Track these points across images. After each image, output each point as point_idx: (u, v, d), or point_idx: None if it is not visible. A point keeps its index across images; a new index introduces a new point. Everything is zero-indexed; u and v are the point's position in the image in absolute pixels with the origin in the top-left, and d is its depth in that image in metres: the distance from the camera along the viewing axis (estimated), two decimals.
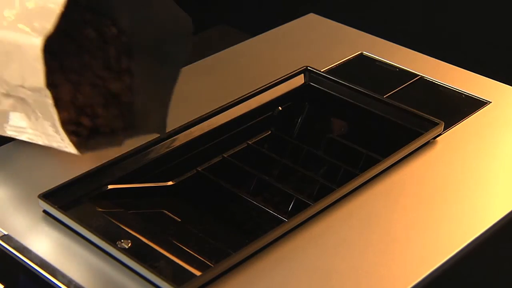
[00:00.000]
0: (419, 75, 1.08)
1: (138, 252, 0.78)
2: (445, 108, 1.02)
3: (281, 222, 0.84)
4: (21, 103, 0.81)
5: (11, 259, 0.79)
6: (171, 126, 0.94)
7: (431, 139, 0.95)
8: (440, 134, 0.96)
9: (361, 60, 1.13)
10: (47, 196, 0.83)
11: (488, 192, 0.89)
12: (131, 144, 0.91)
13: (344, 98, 1.01)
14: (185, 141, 0.93)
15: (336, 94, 1.02)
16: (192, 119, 0.95)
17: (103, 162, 0.88)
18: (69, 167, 0.89)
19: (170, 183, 0.92)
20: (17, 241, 0.80)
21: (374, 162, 0.90)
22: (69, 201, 0.84)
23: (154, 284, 0.74)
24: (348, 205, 0.85)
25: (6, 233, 0.81)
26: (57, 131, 0.79)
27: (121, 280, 0.76)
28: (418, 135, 0.93)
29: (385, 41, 1.17)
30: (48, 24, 0.75)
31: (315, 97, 1.03)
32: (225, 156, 0.96)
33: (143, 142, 0.91)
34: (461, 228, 0.83)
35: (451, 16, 1.80)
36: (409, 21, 1.84)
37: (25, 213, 0.84)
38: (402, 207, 0.86)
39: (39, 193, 0.83)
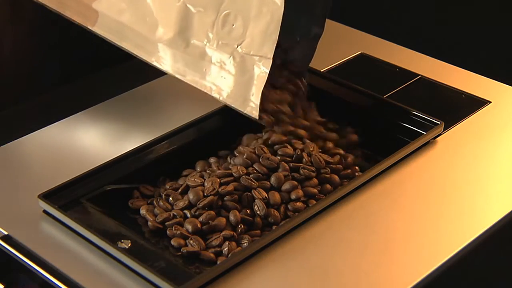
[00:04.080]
0: (419, 75, 1.08)
1: (138, 252, 0.78)
2: (445, 108, 1.02)
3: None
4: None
5: (11, 259, 0.79)
6: (170, 126, 0.94)
7: (431, 139, 0.95)
8: (440, 134, 0.95)
9: (361, 60, 1.13)
10: (47, 196, 0.83)
11: (488, 192, 0.89)
12: (131, 144, 0.91)
13: (344, 98, 1.01)
14: (184, 141, 0.93)
15: (336, 94, 1.02)
16: (192, 119, 0.95)
17: (103, 162, 0.88)
18: (69, 167, 0.89)
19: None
20: (17, 241, 0.80)
21: (374, 162, 0.90)
22: (69, 201, 0.84)
23: (154, 284, 0.74)
24: (348, 205, 0.85)
25: (6, 233, 0.81)
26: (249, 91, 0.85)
27: (121, 280, 0.76)
28: (418, 135, 0.93)
29: (385, 41, 1.17)
30: None
31: (315, 97, 1.03)
32: None
33: (143, 143, 0.91)
34: (461, 228, 0.83)
35: (451, 16, 1.80)
36: (409, 21, 1.84)
37: (25, 213, 0.84)
38: (402, 207, 0.86)
39: (39, 193, 0.83)
